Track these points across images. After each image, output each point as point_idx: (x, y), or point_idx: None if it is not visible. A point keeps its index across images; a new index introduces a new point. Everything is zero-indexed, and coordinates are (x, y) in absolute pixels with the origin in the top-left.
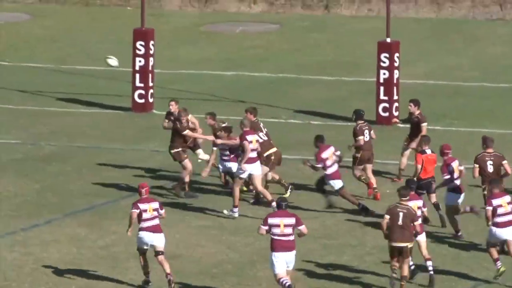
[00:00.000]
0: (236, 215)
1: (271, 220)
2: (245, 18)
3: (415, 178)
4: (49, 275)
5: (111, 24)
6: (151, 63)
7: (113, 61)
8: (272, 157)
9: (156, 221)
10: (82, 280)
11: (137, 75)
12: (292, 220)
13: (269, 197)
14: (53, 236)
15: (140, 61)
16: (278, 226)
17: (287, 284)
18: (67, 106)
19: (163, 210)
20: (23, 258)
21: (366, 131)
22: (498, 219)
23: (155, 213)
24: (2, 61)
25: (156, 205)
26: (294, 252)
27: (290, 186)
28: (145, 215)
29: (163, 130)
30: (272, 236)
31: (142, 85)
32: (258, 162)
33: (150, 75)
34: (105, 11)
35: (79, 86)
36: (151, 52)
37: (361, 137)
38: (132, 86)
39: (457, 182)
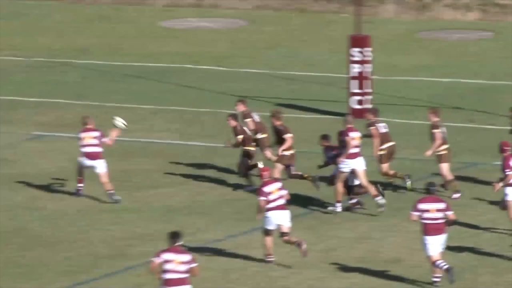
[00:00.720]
0: (339, 209)
1: (421, 206)
2: (460, 25)
3: None
4: (271, 278)
5: (325, 30)
6: (367, 69)
7: (118, 123)
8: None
9: (281, 201)
10: (306, 283)
11: (354, 81)
12: (442, 205)
13: (373, 191)
14: (275, 239)
15: (356, 68)
16: (429, 211)
17: (444, 267)
18: (285, 111)
19: (286, 191)
20: (245, 261)
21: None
22: None
23: (281, 192)
24: (221, 66)
25: (279, 184)
26: (445, 235)
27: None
28: (270, 197)
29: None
30: (423, 221)
31: (359, 91)
32: (361, 157)
33: (366, 81)
34: (320, 17)
35: (296, 92)
36: (368, 58)
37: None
38: (347, 92)
39: None
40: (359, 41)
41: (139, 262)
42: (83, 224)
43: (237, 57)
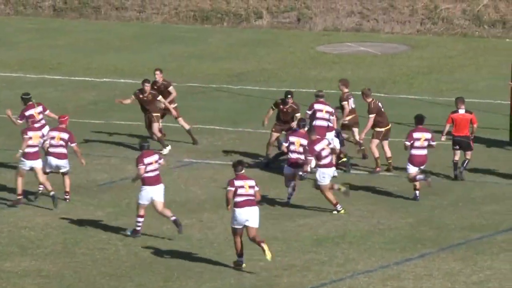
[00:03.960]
0: None
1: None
2: None
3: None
4: None
5: (487, 56)
6: None
7: None
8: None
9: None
10: None
11: None
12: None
13: None
14: (427, 271)
15: None
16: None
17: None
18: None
19: None
20: None
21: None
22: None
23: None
24: (379, 93)
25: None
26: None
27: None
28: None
29: None
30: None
31: None
32: None
33: None
34: (482, 42)
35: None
36: None
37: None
38: (511, 119)
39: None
40: None
41: None
42: (230, 254)
43: (396, 83)
